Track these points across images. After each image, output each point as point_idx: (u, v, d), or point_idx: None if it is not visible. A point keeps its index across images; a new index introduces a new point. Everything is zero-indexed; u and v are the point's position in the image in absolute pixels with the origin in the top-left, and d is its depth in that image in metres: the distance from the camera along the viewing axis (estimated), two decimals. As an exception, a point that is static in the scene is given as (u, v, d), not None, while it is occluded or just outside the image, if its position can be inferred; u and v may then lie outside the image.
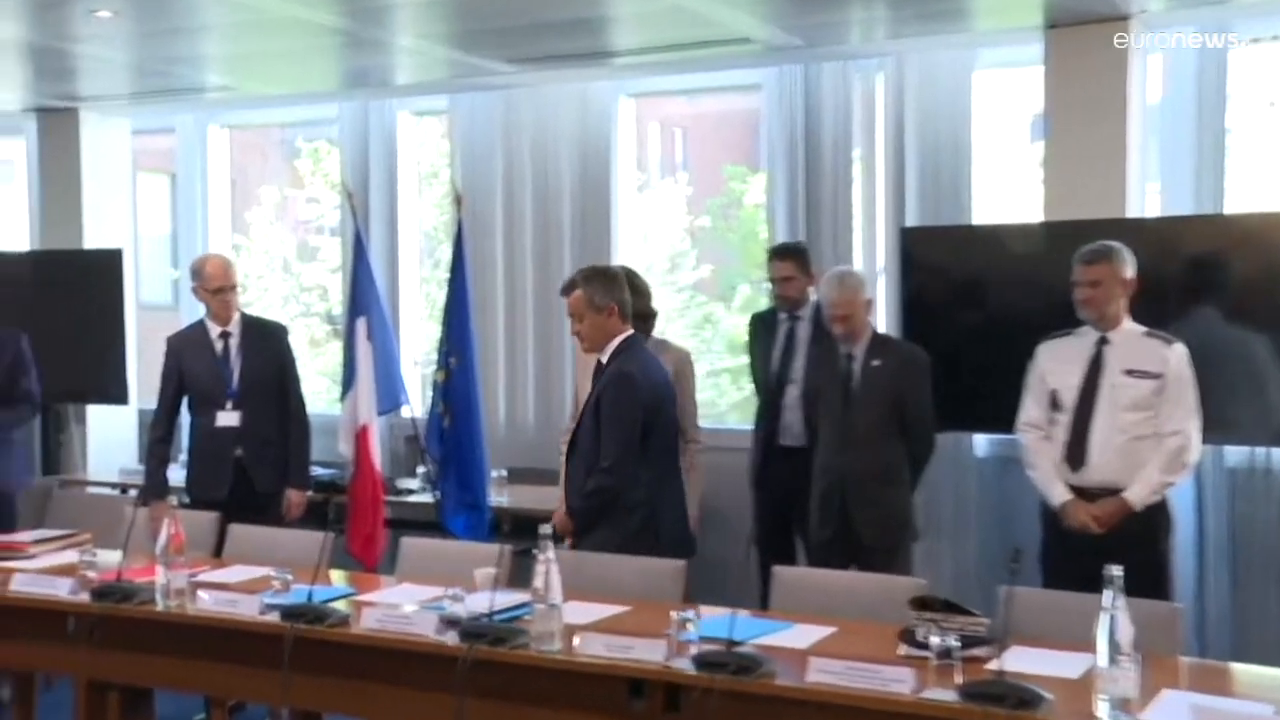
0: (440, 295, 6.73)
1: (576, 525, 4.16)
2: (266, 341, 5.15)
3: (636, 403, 4.06)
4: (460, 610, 3.36)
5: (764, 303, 6.44)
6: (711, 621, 3.22)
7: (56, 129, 7.52)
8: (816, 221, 6.07)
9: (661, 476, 4.15)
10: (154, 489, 4.96)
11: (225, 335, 5.12)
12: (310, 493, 5.27)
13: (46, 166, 7.63)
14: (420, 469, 6.12)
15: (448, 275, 5.90)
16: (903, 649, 3.08)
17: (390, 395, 6.02)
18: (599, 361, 4.23)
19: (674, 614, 3.13)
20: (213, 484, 5.04)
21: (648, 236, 7.03)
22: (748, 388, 7.02)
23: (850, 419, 4.63)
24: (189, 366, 5.10)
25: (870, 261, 5.96)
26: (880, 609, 3.44)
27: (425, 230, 7.58)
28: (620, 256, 6.57)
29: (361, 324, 5.97)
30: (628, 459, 4.06)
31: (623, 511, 4.07)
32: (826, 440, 4.71)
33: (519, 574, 4.18)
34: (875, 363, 4.64)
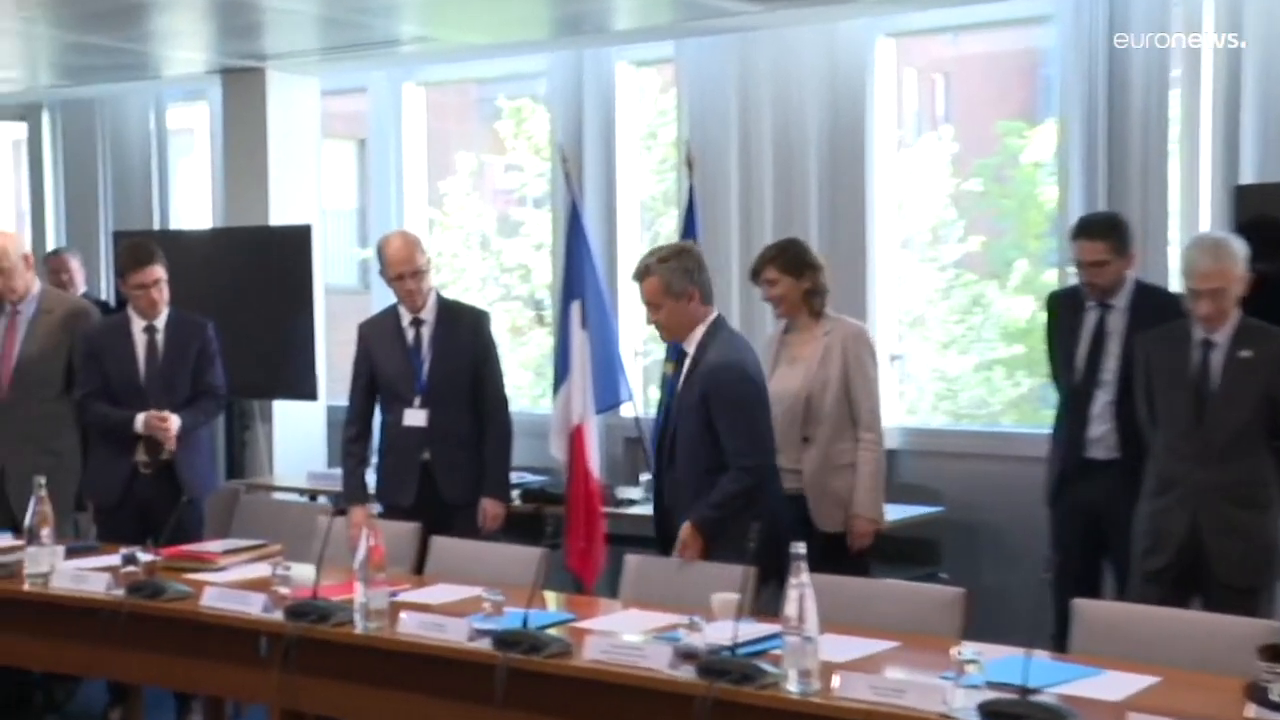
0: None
1: (707, 536, 4.25)
2: (463, 329, 5.23)
3: (760, 390, 4.35)
4: (698, 642, 3.36)
5: (1047, 281, 6.24)
6: (1000, 664, 3.14)
7: (242, 91, 7.86)
8: (1122, 182, 5.81)
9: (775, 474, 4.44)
10: (352, 494, 5.13)
11: (417, 323, 5.22)
12: (514, 503, 5.35)
13: (231, 133, 7.98)
14: (644, 476, 6.16)
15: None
16: (1251, 710, 2.90)
17: (609, 391, 6.09)
18: (678, 350, 4.44)
19: (953, 652, 3.06)
20: (399, 490, 5.18)
21: (904, 204, 6.90)
22: (1025, 383, 6.84)
23: (1206, 423, 4.31)
24: (378, 357, 5.23)
25: (1191, 229, 5.64)
26: (1216, 657, 3.28)
27: (644, 200, 7.64)
28: (876, 227, 6.49)
29: (575, 309, 6.06)
30: (766, 453, 4.32)
31: (747, 516, 4.17)
32: (1172, 448, 4.39)
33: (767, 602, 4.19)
34: (1243, 354, 4.29)
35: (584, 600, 4.38)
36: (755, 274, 4.91)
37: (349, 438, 5.26)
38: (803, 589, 3.08)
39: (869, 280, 6.47)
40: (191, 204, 9.16)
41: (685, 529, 4.30)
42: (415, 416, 5.16)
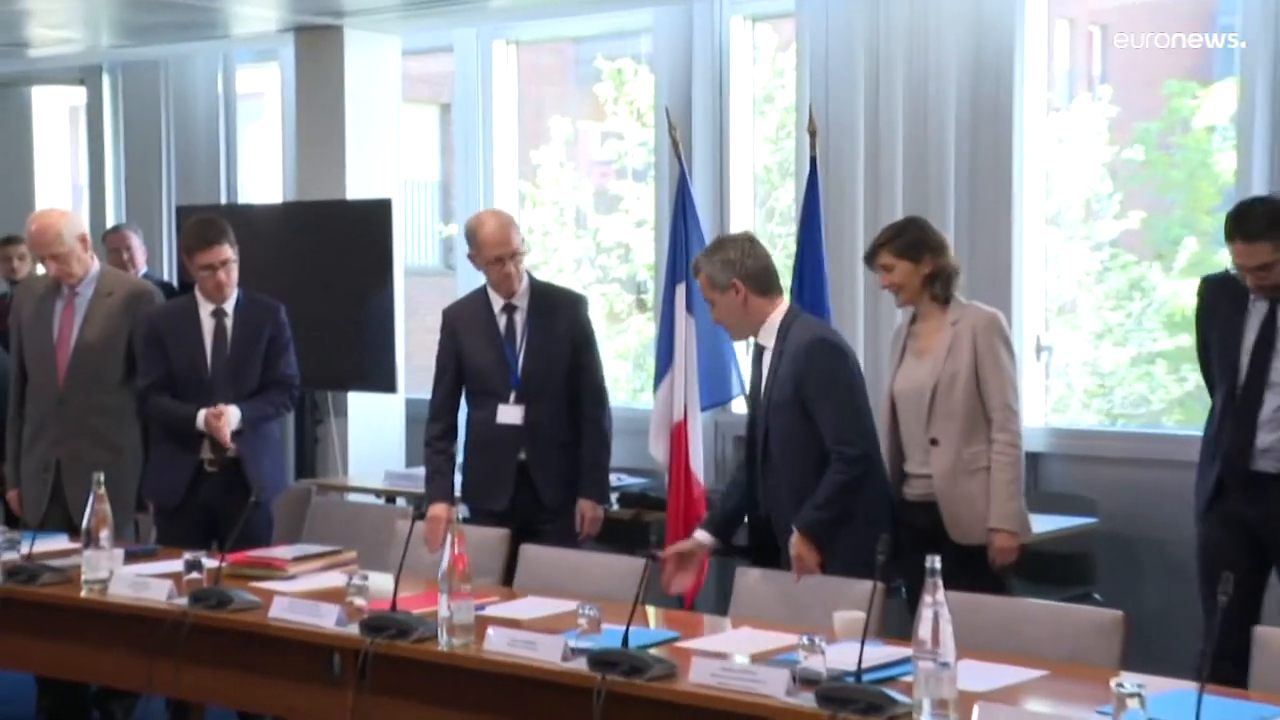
0: (780, 254, 6.73)
1: (819, 542, 4.29)
2: (560, 316, 5.24)
3: (857, 369, 4.47)
4: (818, 665, 3.34)
5: (1219, 263, 6.11)
6: (1167, 699, 3.07)
7: (317, 51, 7.94)
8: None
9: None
10: (436, 493, 5.18)
11: (510, 309, 5.24)
12: (612, 506, 5.35)
13: (304, 97, 8.07)
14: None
15: (794, 229, 5.89)
16: None
17: (718, 384, 6.07)
18: (756, 348, 4.56)
19: (1111, 684, 2.99)
20: (491, 493, 5.21)
21: (1054, 175, 6.81)
22: (1191, 379, 6.71)
23: None
24: (467, 347, 5.25)
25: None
26: None
27: (757, 171, 7.61)
28: (1023, 202, 6.41)
29: (681, 292, 6.06)
30: (871, 440, 4.42)
31: (858, 514, 4.30)
32: None
33: (893, 620, 4.16)
34: None
35: (688, 617, 4.36)
36: (869, 259, 4.86)
37: (435, 434, 5.29)
38: (937, 608, 3.05)
39: (1014, 262, 6.40)
40: (261, 176, 9.30)
41: (795, 540, 4.32)
42: (510, 413, 5.18)
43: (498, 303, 5.24)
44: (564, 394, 5.21)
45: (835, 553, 4.33)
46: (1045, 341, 6.65)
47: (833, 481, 4.33)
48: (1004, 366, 4.79)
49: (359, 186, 7.88)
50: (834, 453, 4.33)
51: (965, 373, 4.73)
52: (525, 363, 5.19)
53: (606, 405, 5.28)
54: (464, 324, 5.30)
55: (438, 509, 5.04)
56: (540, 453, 5.18)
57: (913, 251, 4.80)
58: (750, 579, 4.33)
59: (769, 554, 4.57)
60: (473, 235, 5.21)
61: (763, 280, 4.51)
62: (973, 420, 4.77)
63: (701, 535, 4.68)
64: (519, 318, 5.23)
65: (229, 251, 5.34)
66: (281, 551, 4.92)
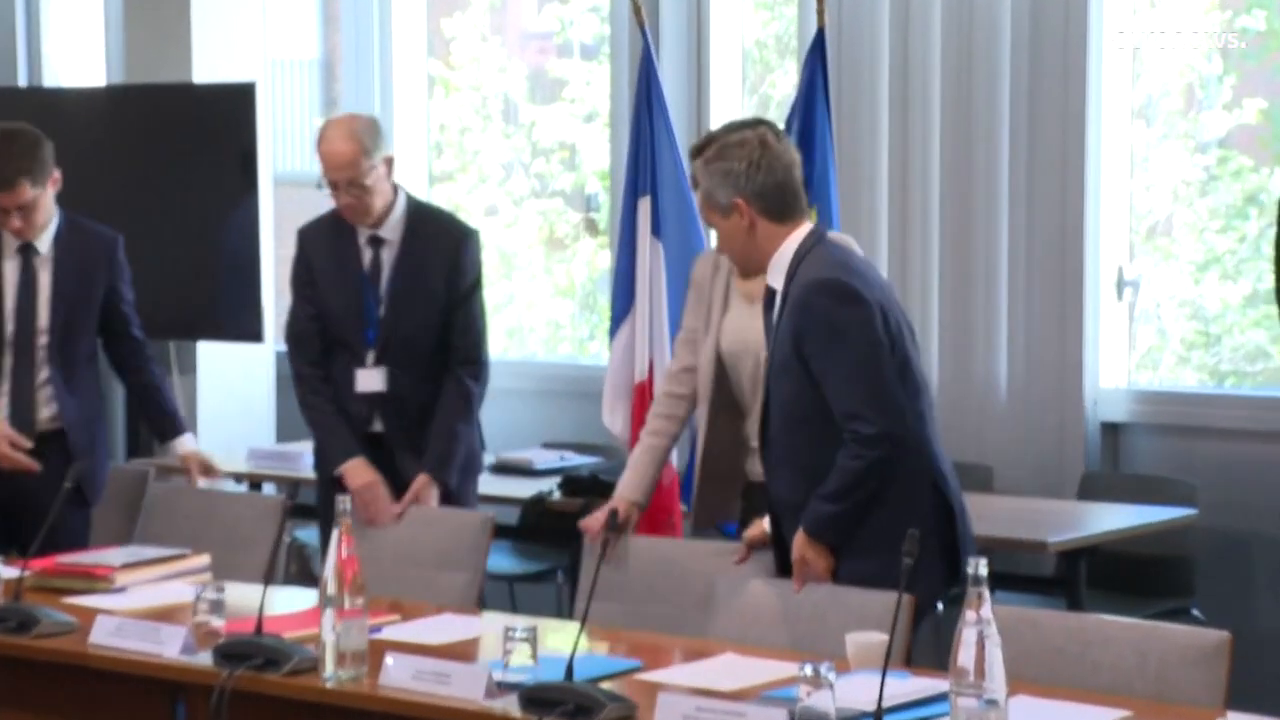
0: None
1: (830, 543, 4.32)
2: (438, 257, 5.32)
3: (870, 316, 4.30)
4: (823, 704, 3.34)
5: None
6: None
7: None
8: None
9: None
10: (340, 450, 5.27)
11: (376, 242, 5.32)
12: (552, 497, 5.36)
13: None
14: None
15: (793, 124, 5.89)
16: None
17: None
18: (768, 291, 4.47)
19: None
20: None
21: (1143, 52, 6.82)
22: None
23: None
24: (321, 285, 5.35)
25: None
26: None
27: (747, 48, 7.61)
28: (1101, 89, 6.44)
29: (644, 209, 6.06)
30: (898, 411, 4.29)
31: (897, 505, 4.26)
32: None
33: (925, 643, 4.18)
34: None
35: (652, 640, 4.38)
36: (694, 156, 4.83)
37: (307, 373, 5.37)
38: (982, 627, 3.07)
39: (1087, 168, 6.44)
40: (75, 49, 9.19)
41: (798, 541, 4.34)
42: (368, 378, 5.27)
43: (363, 233, 5.28)
44: (436, 355, 5.30)
45: (859, 554, 4.34)
46: (1129, 275, 6.69)
47: (845, 468, 4.29)
48: None
49: (210, 66, 7.84)
50: (846, 432, 4.29)
51: None
52: (387, 315, 5.27)
53: (482, 369, 5.37)
54: (320, 253, 5.38)
55: (356, 469, 5.15)
56: (402, 427, 5.28)
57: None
58: (734, 586, 4.35)
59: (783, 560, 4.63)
60: (317, 147, 5.29)
61: (776, 200, 4.40)
62: None
63: (769, 522, 4.68)
64: (387, 256, 5.30)
65: (31, 193, 5.29)
66: (106, 556, 4.90)
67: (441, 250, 5.33)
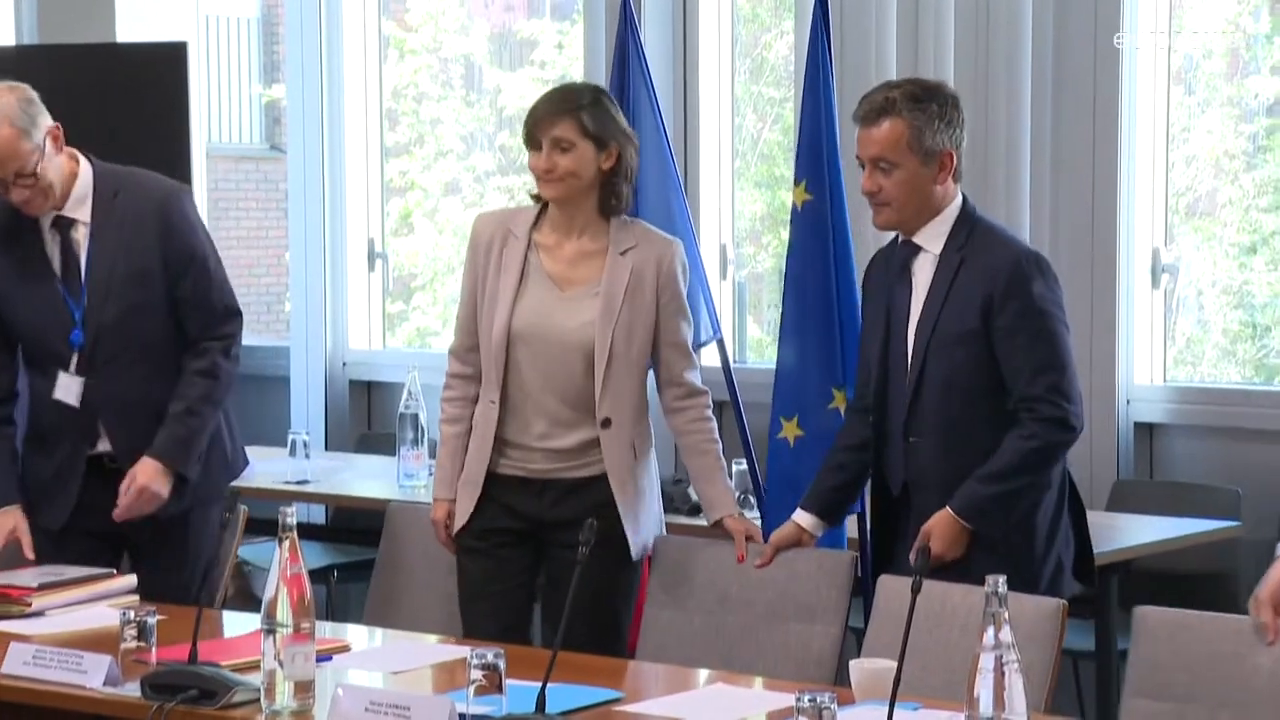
0: (774, 129, 6.73)
1: (978, 528, 4.52)
2: (143, 225, 5.11)
3: (1063, 301, 4.68)
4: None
5: None
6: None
7: None
8: None
9: None
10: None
11: (64, 224, 5.10)
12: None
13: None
14: (739, 464, 6.18)
15: (792, 93, 5.90)
16: None
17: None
18: (903, 253, 4.72)
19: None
20: (52, 504, 5.18)
21: (1181, 5, 6.83)
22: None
23: None
24: (4, 289, 5.18)
25: None
26: None
27: (738, 6, 7.62)
28: (1136, 48, 6.45)
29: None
30: (1079, 397, 4.62)
31: (1045, 502, 4.58)
32: None
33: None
34: None
35: (632, 667, 4.40)
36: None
37: None
38: (1001, 651, 3.09)
39: (1120, 139, 6.46)
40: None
41: (936, 519, 4.52)
42: (70, 386, 5.10)
43: (45, 218, 5.13)
44: (163, 348, 5.17)
45: (990, 548, 4.50)
46: (1166, 259, 6.70)
47: (1015, 449, 4.52)
48: (687, 312, 5.06)
49: (135, 24, 7.82)
50: (1024, 412, 4.52)
51: (645, 322, 4.92)
52: (92, 308, 5.11)
53: (228, 336, 5.21)
54: None
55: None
56: (131, 440, 5.14)
57: (607, 127, 4.89)
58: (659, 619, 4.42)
59: (889, 550, 4.75)
60: None
61: (962, 162, 4.73)
62: (642, 389, 4.98)
63: (804, 518, 4.83)
64: (80, 236, 5.11)
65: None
66: (21, 576, 4.89)
67: (144, 218, 5.13)
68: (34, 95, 5.00)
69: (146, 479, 5.03)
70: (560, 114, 4.83)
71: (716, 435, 5.04)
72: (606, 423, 4.85)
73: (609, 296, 4.84)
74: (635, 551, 4.90)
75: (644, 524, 4.95)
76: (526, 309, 4.87)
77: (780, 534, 4.84)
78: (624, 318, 4.85)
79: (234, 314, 5.23)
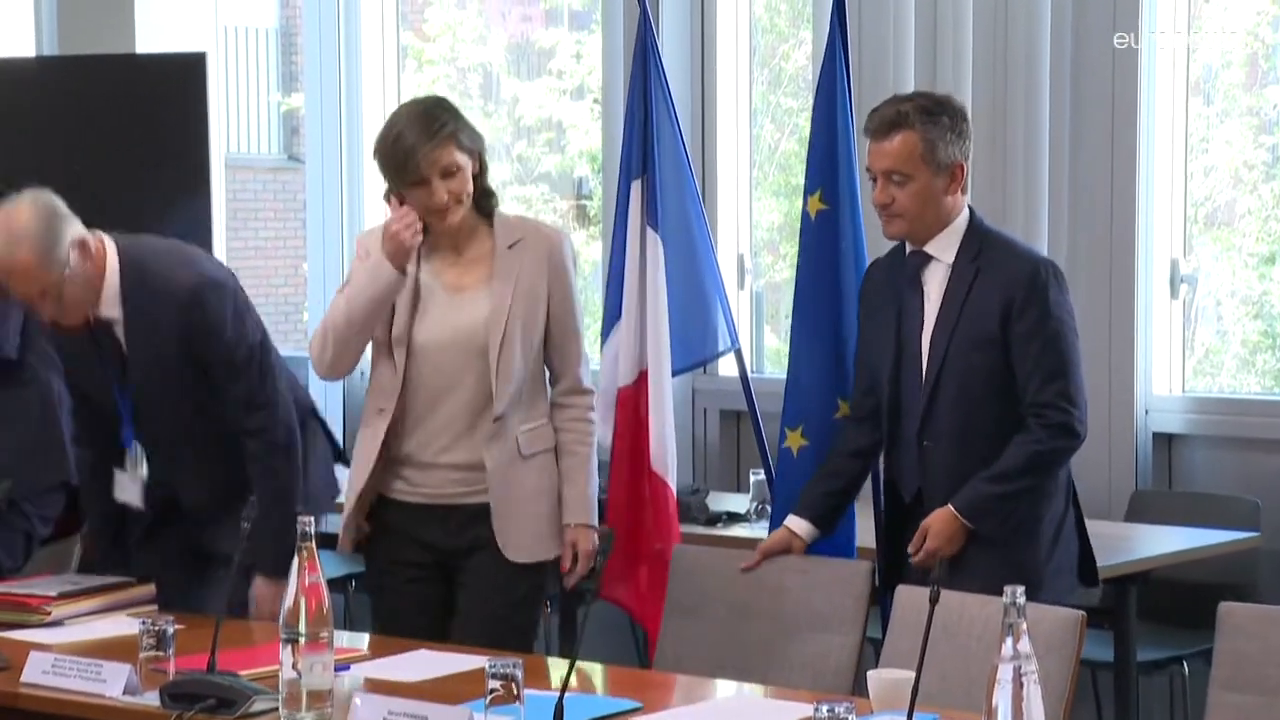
0: (790, 139, 6.73)
1: (978, 528, 4.58)
2: (161, 321, 4.93)
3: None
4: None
5: None
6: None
7: None
8: None
9: None
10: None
11: (102, 325, 4.96)
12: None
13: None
14: (756, 474, 6.17)
15: (809, 102, 5.91)
16: None
17: (696, 335, 6.06)
18: (914, 263, 4.79)
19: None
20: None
21: (1200, 14, 6.83)
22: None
23: None
24: (71, 373, 5.21)
25: None
26: None
27: (756, 15, 7.62)
28: (1155, 57, 6.44)
29: (637, 194, 6.04)
30: (1085, 405, 4.69)
31: (1047, 508, 4.70)
32: None
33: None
34: None
35: (651, 677, 4.39)
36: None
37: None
38: (1020, 662, 3.08)
39: (1139, 149, 6.46)
40: (3, 14, 9.22)
41: (935, 516, 4.60)
42: (130, 487, 5.10)
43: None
44: (216, 427, 5.09)
45: (990, 544, 4.57)
46: (1185, 269, 6.69)
47: (1021, 451, 4.63)
48: (579, 304, 5.10)
49: (155, 35, 7.84)
50: (1032, 417, 4.62)
51: (538, 313, 4.93)
52: (139, 409, 5.06)
53: (268, 425, 5.05)
54: (64, 343, 5.15)
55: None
56: (196, 500, 5.17)
57: (471, 134, 4.91)
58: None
59: (898, 562, 4.78)
60: None
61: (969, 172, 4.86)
62: (536, 384, 5.00)
63: (797, 524, 4.88)
64: (118, 334, 4.98)
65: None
66: (41, 584, 4.91)
67: (167, 319, 4.96)
68: (58, 205, 4.77)
69: (268, 603, 4.87)
70: (440, 142, 4.75)
71: (591, 439, 5.03)
72: (499, 419, 4.84)
73: (499, 294, 4.82)
74: (512, 554, 4.84)
75: (526, 526, 4.89)
76: (423, 321, 4.85)
77: (770, 540, 4.89)
78: (517, 310, 4.83)
79: (257, 408, 5.02)
